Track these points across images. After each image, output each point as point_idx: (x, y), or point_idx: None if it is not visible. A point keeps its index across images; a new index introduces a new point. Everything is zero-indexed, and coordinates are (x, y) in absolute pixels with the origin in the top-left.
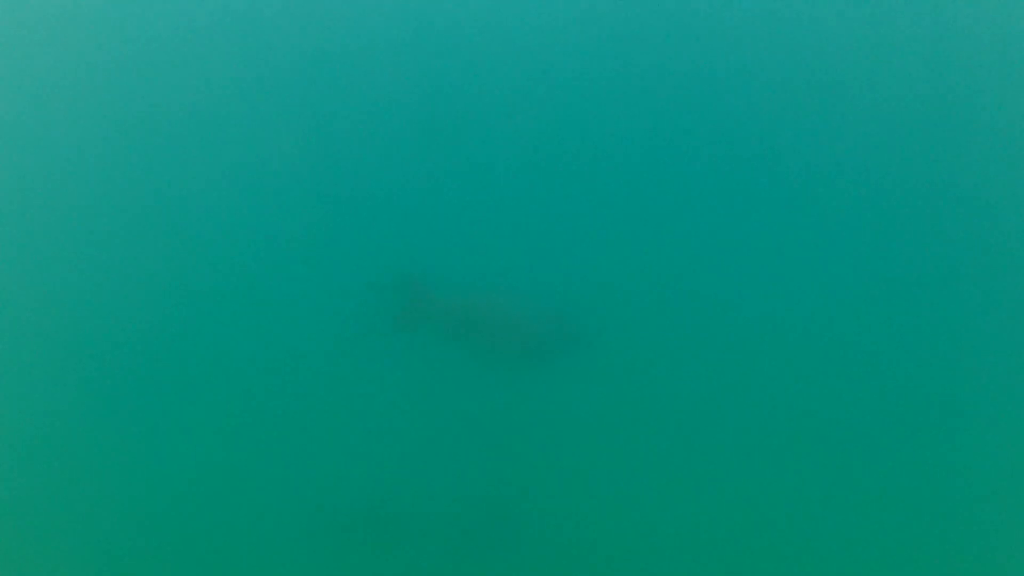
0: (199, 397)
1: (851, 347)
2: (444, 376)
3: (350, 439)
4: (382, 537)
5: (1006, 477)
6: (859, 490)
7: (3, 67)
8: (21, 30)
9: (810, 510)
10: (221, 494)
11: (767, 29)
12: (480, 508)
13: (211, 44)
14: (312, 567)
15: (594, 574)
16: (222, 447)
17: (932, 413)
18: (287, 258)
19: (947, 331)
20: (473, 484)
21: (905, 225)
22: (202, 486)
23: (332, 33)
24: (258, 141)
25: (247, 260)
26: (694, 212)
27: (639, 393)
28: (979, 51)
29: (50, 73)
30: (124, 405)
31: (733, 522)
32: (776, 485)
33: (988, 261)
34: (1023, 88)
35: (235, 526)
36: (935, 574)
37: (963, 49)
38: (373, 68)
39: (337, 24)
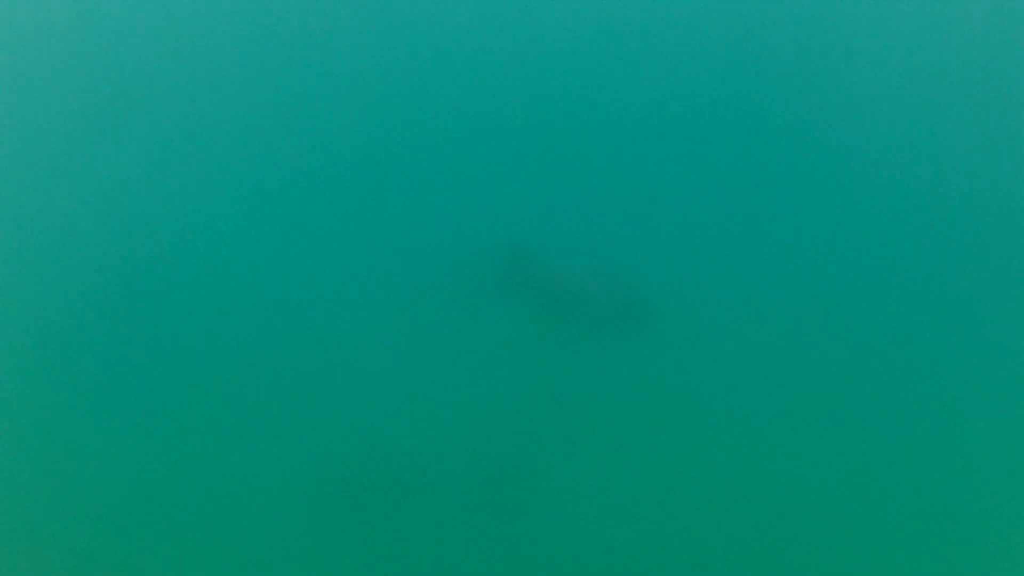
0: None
1: (932, 331)
2: (523, 341)
3: (423, 394)
4: (428, 494)
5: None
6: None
7: (4, 67)
8: (21, 30)
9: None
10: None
11: None
12: (531, 472)
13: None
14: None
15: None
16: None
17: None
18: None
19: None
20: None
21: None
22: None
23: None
24: (365, 108)
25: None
26: (776, 200)
27: (706, 375)
28: (989, 40)
29: (61, 72)
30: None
31: (777, 504)
32: (832, 471)
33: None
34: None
35: (265, 482)
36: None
37: (976, 40)
38: (474, 39)
39: None
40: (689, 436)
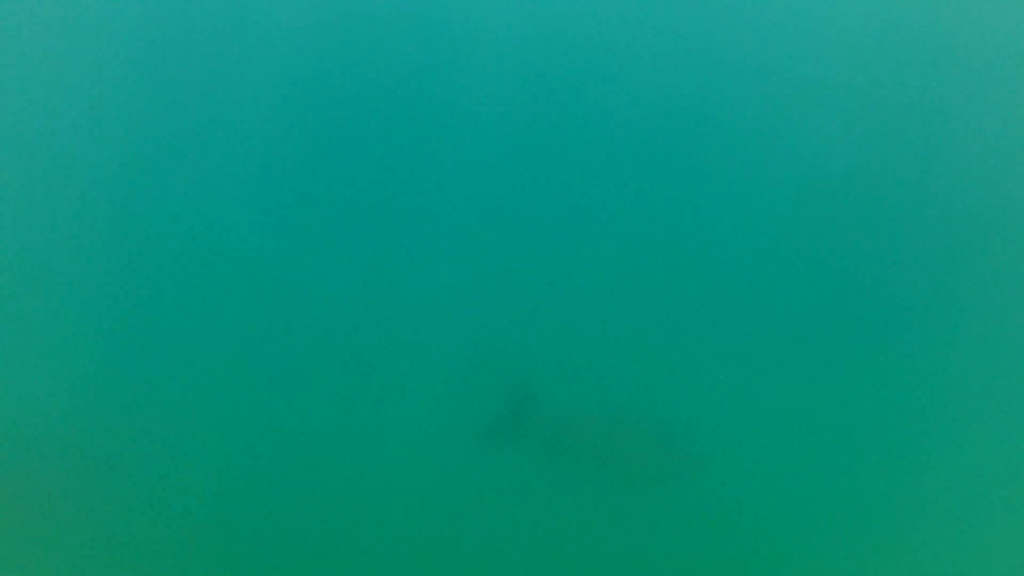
0: None
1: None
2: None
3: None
4: None
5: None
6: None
7: (5, 68)
8: (22, 31)
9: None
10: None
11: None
12: None
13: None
14: None
15: None
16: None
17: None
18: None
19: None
20: None
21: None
22: None
23: None
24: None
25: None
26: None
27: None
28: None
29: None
30: None
31: None
32: None
33: None
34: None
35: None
36: None
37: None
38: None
39: None
40: None
